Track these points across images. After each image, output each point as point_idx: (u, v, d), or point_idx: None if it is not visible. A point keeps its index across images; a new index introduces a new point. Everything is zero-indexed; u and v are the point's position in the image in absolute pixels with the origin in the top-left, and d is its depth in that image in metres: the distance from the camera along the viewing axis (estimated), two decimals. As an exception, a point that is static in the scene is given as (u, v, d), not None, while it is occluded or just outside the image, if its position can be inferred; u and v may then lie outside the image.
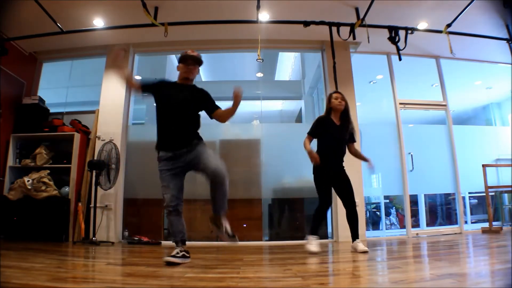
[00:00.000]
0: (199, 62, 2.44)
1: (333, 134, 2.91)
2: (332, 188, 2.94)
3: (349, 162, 3.00)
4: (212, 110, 2.38)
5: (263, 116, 5.03)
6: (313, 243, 2.77)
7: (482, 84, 6.05)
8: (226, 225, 2.26)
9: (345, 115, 2.95)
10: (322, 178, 2.88)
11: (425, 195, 5.40)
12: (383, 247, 3.30)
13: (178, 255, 2.19)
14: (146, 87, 2.44)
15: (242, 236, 4.07)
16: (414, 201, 4.98)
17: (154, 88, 2.42)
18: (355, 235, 2.81)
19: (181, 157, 2.27)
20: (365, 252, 2.66)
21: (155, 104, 2.43)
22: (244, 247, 3.50)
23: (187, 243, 2.30)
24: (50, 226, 3.82)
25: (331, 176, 2.89)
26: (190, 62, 2.40)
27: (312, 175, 2.94)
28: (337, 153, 2.93)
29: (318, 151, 2.93)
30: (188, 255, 2.26)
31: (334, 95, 3.00)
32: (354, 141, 3.01)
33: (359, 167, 4.11)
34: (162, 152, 2.32)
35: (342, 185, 2.89)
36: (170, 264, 2.12)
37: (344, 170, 2.94)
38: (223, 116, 2.34)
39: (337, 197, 2.97)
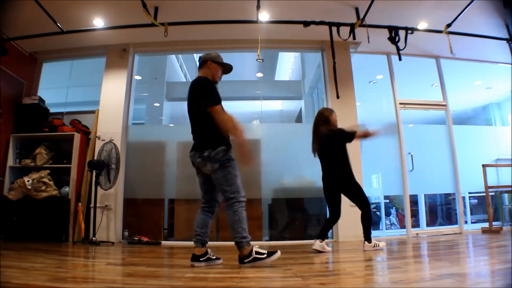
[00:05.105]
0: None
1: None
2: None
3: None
4: None
5: (263, 116, 5.03)
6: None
7: (482, 84, 6.04)
8: (255, 249, 2.13)
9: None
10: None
11: (425, 195, 5.39)
12: (383, 247, 3.29)
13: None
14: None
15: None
16: (414, 201, 4.97)
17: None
18: (367, 236, 2.94)
19: None
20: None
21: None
22: (244, 247, 3.48)
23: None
24: (50, 226, 3.82)
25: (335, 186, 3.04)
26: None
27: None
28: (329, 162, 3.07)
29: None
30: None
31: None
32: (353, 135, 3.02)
33: (359, 167, 4.11)
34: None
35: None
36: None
37: (345, 177, 2.97)
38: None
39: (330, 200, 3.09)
